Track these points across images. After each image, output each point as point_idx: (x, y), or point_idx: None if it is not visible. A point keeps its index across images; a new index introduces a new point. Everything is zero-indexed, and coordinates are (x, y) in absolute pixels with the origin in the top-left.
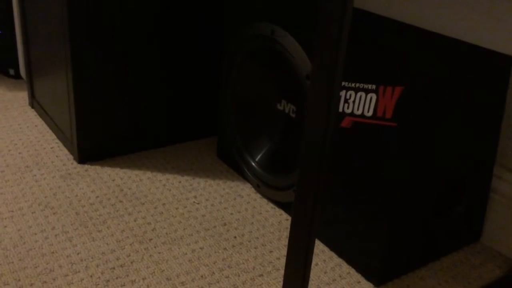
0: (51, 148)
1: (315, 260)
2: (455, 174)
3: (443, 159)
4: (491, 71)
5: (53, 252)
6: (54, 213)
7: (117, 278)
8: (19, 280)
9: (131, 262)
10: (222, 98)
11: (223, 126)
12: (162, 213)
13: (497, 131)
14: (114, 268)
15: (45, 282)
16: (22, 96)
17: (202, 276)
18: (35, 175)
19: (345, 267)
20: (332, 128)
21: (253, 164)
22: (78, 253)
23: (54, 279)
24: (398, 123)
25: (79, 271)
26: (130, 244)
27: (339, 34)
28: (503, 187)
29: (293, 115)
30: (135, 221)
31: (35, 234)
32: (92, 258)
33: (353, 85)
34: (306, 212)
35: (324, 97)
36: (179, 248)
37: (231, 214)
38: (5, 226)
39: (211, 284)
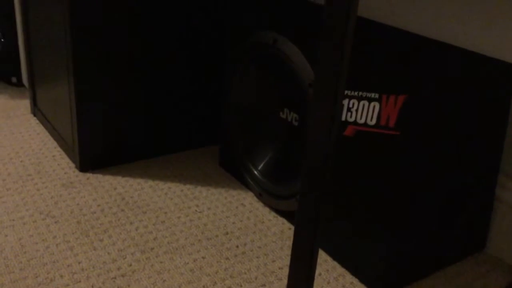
0: (53, 156)
1: (318, 269)
2: (459, 183)
3: (447, 167)
4: (494, 79)
5: (54, 262)
6: (55, 222)
7: None
8: None
9: (133, 272)
10: (224, 106)
11: (225, 134)
12: (164, 222)
13: (501, 139)
14: (115, 277)
15: None
16: (24, 104)
17: (203, 286)
18: (36, 184)
19: (349, 277)
20: (336, 137)
21: (256, 172)
22: (79, 263)
23: None
24: (401, 131)
25: (80, 281)
26: (132, 254)
27: (342, 42)
28: (507, 196)
29: (296, 124)
30: (136, 230)
31: (36, 243)
32: (93, 267)
33: (356, 93)
34: (309, 222)
35: (327, 105)
36: (180, 258)
37: (233, 223)
38: (6, 235)
39: None
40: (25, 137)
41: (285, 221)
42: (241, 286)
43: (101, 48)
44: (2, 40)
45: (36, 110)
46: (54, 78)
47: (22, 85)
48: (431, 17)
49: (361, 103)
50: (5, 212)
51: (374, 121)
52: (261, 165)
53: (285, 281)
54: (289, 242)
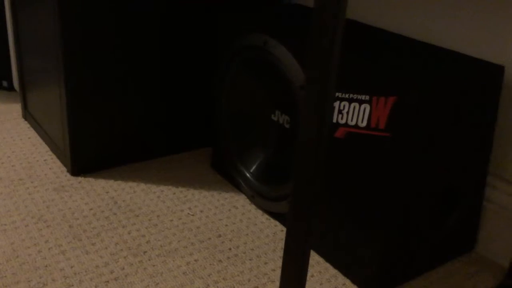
0: (44, 160)
1: (310, 271)
2: (449, 183)
3: (437, 168)
4: (483, 81)
5: (46, 266)
6: (47, 226)
7: None
8: None
9: (125, 275)
10: (216, 109)
11: (217, 137)
12: (157, 225)
13: (490, 140)
14: (108, 281)
15: None
16: (15, 108)
17: None
18: (28, 188)
19: (341, 278)
20: (326, 139)
21: (248, 175)
22: (71, 267)
23: None
24: (392, 133)
25: (73, 285)
26: (124, 257)
27: (331, 44)
28: (496, 196)
29: (287, 126)
30: (129, 233)
31: (28, 247)
32: (85, 271)
33: (346, 95)
34: (301, 224)
35: (318, 108)
36: (173, 261)
37: (226, 225)
38: None
39: None
40: (16, 141)
41: (277, 223)
42: None
43: (92, 52)
44: None
45: (27, 114)
46: (45, 82)
47: (13, 89)
48: (421, 19)
49: (352, 105)
50: None
51: (364, 123)
52: (253, 167)
53: (278, 283)
54: (282, 244)
